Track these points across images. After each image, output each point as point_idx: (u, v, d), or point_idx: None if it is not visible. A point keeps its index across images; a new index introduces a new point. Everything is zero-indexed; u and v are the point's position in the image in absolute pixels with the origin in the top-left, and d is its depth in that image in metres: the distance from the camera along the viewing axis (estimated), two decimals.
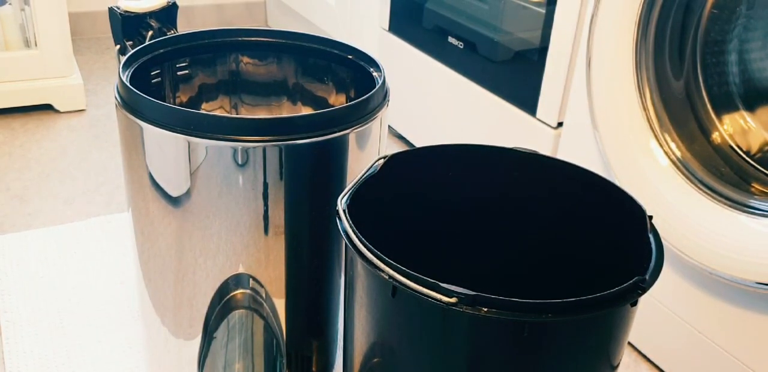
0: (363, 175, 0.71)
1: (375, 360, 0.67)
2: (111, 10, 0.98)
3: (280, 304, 0.89)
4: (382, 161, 0.73)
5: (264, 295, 0.88)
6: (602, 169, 1.09)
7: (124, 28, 0.98)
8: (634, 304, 0.59)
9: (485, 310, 0.55)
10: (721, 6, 1.02)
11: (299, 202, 0.83)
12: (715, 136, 1.05)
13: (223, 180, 0.79)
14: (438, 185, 0.79)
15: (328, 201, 0.82)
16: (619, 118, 1.07)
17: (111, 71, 2.21)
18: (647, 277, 0.59)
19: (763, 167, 1.01)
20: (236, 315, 0.90)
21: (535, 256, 0.80)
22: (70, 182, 1.62)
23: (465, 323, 0.59)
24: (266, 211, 0.81)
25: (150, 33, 0.98)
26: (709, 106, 1.06)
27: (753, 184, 1.00)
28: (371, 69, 0.91)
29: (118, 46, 0.99)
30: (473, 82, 1.45)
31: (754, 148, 1.04)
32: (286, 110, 1.04)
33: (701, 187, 1.00)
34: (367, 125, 0.82)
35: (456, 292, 0.55)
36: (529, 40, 1.29)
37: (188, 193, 0.80)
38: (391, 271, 0.58)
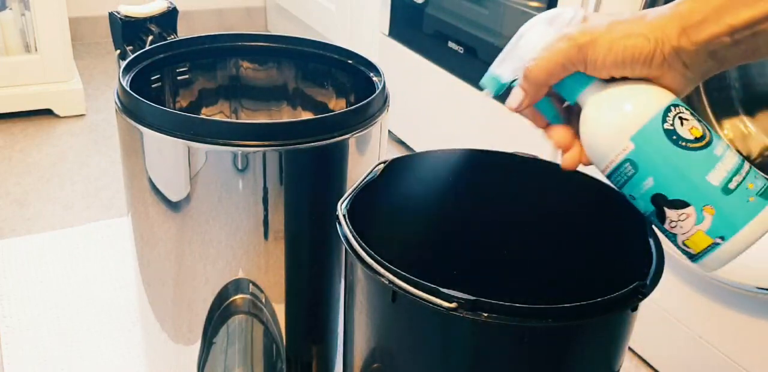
0: (363, 180, 0.71)
1: (375, 365, 0.67)
2: (111, 15, 0.98)
3: (279, 309, 0.89)
4: (382, 166, 0.73)
5: (264, 300, 0.88)
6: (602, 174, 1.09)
7: (125, 33, 0.98)
8: (635, 309, 0.59)
9: (485, 315, 0.55)
10: None
11: (299, 207, 0.82)
12: None
13: (223, 185, 0.79)
14: (438, 190, 0.79)
15: (328, 206, 0.82)
16: None
17: (111, 76, 2.22)
18: (648, 282, 0.59)
19: (763, 172, 1.01)
20: (236, 320, 0.89)
21: (535, 260, 0.80)
22: (70, 187, 1.62)
23: (465, 328, 0.58)
24: (266, 216, 0.81)
25: (150, 38, 0.98)
26: (708, 111, 1.06)
27: None
28: (371, 74, 0.91)
29: (119, 51, 0.99)
30: (473, 86, 1.45)
31: (755, 153, 1.04)
32: (286, 115, 1.04)
33: None
34: (367, 130, 0.82)
35: (456, 297, 0.55)
36: None
37: (188, 198, 0.80)
38: (391, 276, 0.58)
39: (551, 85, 0.55)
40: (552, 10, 0.57)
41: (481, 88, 0.60)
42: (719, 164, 0.53)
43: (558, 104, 0.59)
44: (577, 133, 0.58)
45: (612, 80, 0.54)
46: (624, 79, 0.53)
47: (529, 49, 0.56)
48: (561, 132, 0.58)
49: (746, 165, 0.55)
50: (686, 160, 0.52)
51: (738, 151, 1.02)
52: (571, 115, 0.59)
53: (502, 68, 0.59)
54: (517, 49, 0.57)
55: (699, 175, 0.53)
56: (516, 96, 0.57)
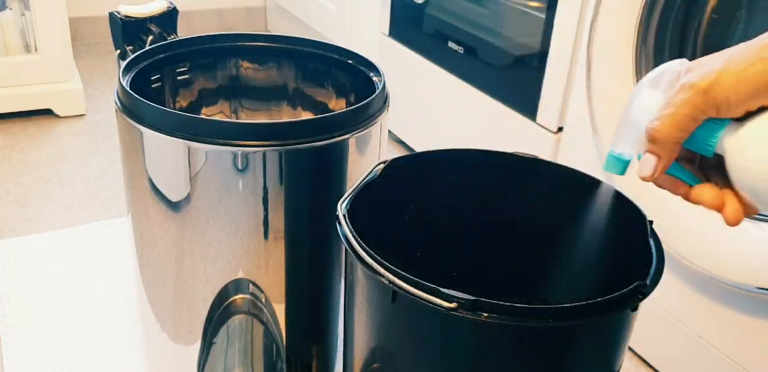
0: (363, 180, 0.71)
1: (375, 365, 0.67)
2: (111, 15, 0.98)
3: (279, 309, 0.89)
4: (382, 166, 0.73)
5: (264, 300, 0.88)
6: (602, 174, 1.09)
7: (125, 33, 0.98)
8: (635, 309, 0.59)
9: (485, 315, 0.55)
10: (721, 11, 1.02)
11: (299, 207, 0.82)
12: None
13: (223, 185, 0.79)
14: (438, 190, 0.79)
15: (328, 206, 0.82)
16: None
17: (111, 76, 2.22)
18: (648, 282, 0.59)
19: None
20: (236, 320, 0.89)
21: (535, 260, 0.80)
22: (70, 187, 1.62)
23: (465, 328, 0.58)
24: (266, 216, 0.81)
25: (150, 38, 0.98)
26: None
27: None
28: (371, 74, 0.91)
29: (119, 51, 0.99)
30: (473, 86, 1.45)
31: None
32: (286, 115, 1.04)
33: None
34: (367, 130, 0.82)
35: (456, 297, 0.55)
36: (529, 45, 1.29)
37: (188, 197, 0.80)
38: (391, 276, 0.58)
39: (682, 141, 0.51)
40: (652, 72, 0.53)
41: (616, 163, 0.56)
42: None
43: (688, 165, 0.55)
44: (722, 187, 0.53)
45: (746, 117, 0.49)
46: (759, 110, 0.49)
47: (641, 116, 0.52)
48: (710, 191, 0.53)
49: None
50: None
51: None
52: (707, 171, 0.55)
53: (621, 146, 0.54)
54: (629, 120, 0.53)
55: None
56: (648, 163, 0.53)
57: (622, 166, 0.55)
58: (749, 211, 0.52)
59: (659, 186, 0.55)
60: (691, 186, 0.54)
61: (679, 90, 0.49)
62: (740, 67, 0.47)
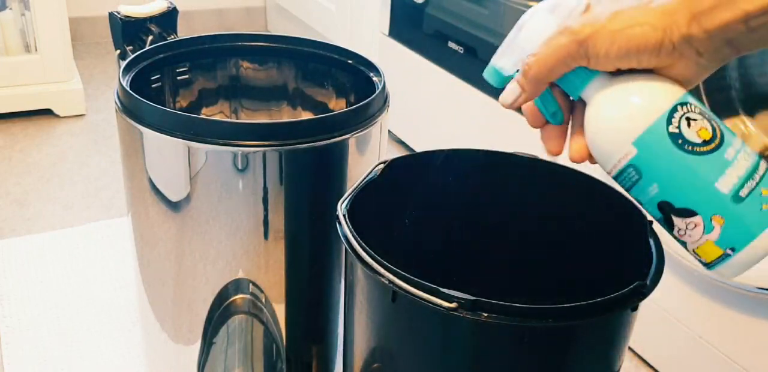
0: (363, 180, 0.71)
1: (375, 365, 0.67)
2: (111, 15, 0.98)
3: (279, 310, 0.89)
4: (382, 166, 0.73)
5: (264, 300, 0.88)
6: (603, 174, 1.09)
7: (125, 33, 0.98)
8: (635, 309, 0.59)
9: (485, 315, 0.55)
10: None
11: (299, 207, 0.82)
12: None
13: (223, 185, 0.79)
14: (438, 190, 0.79)
15: (328, 206, 0.82)
16: None
17: (111, 76, 2.22)
18: (648, 282, 0.59)
19: None
20: (236, 320, 0.89)
21: (535, 261, 0.80)
22: (70, 187, 1.62)
23: (465, 328, 0.58)
24: (266, 216, 0.81)
25: (150, 38, 0.98)
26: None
27: None
28: (371, 74, 0.91)
29: (119, 51, 0.99)
30: (473, 86, 1.45)
31: None
32: (286, 115, 1.04)
33: None
34: (367, 130, 0.82)
35: (456, 297, 0.55)
36: None
37: (188, 197, 0.80)
38: (391, 276, 0.58)
39: (551, 81, 0.52)
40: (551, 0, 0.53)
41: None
42: (730, 169, 0.48)
43: (561, 98, 0.55)
44: (580, 129, 0.54)
45: (618, 73, 0.50)
46: (631, 70, 0.49)
47: (529, 41, 0.52)
48: (555, 135, 0.55)
49: (763, 167, 0.50)
50: (693, 166, 0.48)
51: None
52: (576, 110, 0.55)
53: (503, 60, 0.55)
54: (517, 40, 0.54)
55: (707, 182, 0.48)
56: (511, 92, 0.54)
57: (499, 79, 0.56)
58: (590, 160, 0.54)
59: (522, 114, 0.56)
60: (547, 123, 0.55)
61: (561, 31, 0.49)
62: (620, 27, 0.47)
